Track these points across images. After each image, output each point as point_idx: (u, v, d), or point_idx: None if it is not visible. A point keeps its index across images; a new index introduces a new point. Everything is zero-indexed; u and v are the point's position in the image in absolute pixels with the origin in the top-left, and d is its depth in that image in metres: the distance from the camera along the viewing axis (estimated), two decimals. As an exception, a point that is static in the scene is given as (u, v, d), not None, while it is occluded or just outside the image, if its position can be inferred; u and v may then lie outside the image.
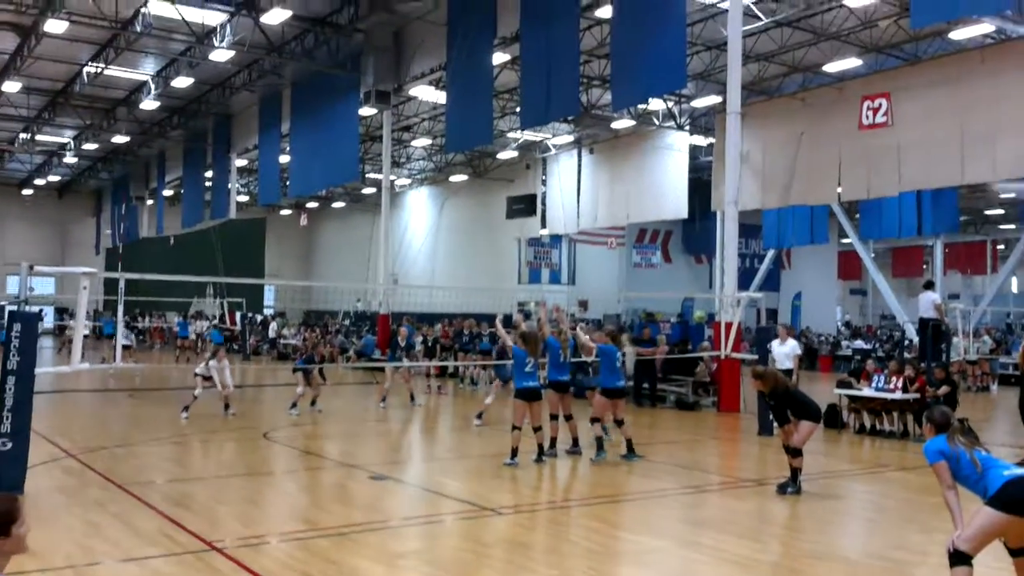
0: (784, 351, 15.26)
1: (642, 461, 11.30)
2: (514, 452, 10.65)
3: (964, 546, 5.04)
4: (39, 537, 7.16)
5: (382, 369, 23.94)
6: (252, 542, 7.18)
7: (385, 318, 28.33)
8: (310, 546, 7.09)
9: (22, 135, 35.82)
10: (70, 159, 40.25)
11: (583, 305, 38.19)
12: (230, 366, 15.68)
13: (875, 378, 14.90)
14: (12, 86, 28.10)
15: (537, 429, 10.98)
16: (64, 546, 6.90)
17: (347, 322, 38.98)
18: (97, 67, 26.59)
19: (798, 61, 22.90)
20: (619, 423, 11.54)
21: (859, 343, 34.35)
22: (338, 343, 30.45)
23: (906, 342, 29.58)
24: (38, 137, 35.91)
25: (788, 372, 14.75)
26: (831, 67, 22.33)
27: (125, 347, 27.29)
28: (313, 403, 16.19)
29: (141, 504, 8.43)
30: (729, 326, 17.15)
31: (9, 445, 8.58)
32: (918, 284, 31.89)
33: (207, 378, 14.98)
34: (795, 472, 9.51)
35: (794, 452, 9.49)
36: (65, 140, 37.40)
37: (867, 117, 20.57)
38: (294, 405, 15.73)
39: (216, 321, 33.18)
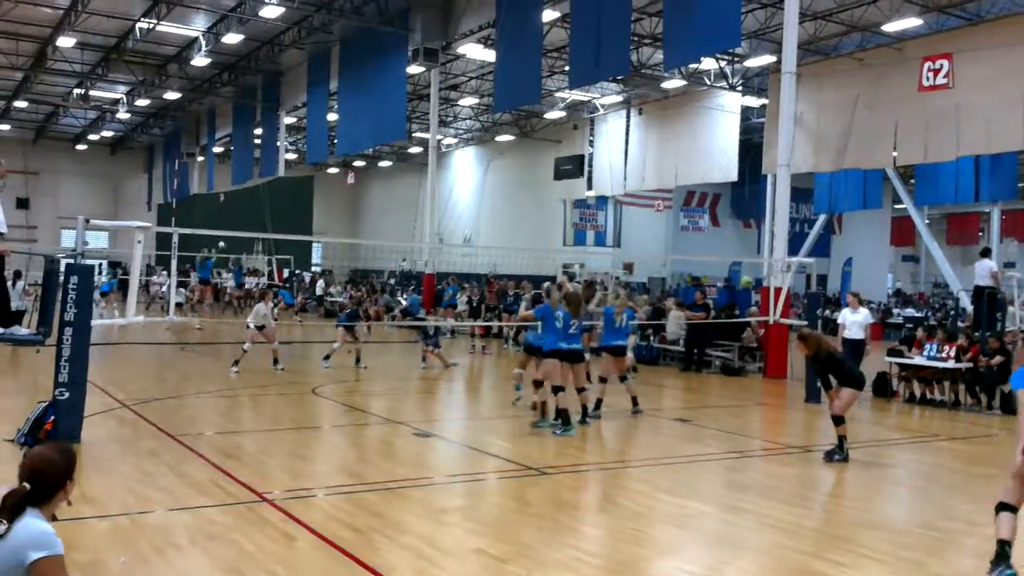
0: (857, 320, 14.87)
1: (687, 425, 11.27)
2: (565, 418, 10.32)
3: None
4: (96, 484, 7.39)
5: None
6: (300, 494, 7.31)
7: (430, 277, 28.45)
8: (356, 500, 7.20)
9: (76, 91, 36.31)
10: (122, 115, 40.72)
11: (628, 268, 38.00)
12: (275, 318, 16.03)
13: (927, 347, 14.64)
14: (66, 41, 28.43)
15: (581, 390, 10.98)
16: (119, 494, 7.09)
17: (392, 281, 39.25)
18: (149, 23, 26.77)
19: (856, 20, 22.25)
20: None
21: (910, 311, 33.76)
22: (383, 302, 30.69)
23: (959, 311, 29.01)
24: (91, 93, 36.35)
25: (860, 342, 14.57)
26: (890, 27, 21.66)
27: (177, 304, 27.84)
28: (357, 361, 16.38)
29: (193, 455, 8.62)
30: (778, 291, 16.93)
31: (67, 395, 8.82)
32: (973, 252, 31.19)
33: (260, 328, 15.26)
34: (841, 439, 9.41)
35: (837, 420, 9.40)
36: (118, 96, 37.85)
37: (927, 79, 19.98)
38: (327, 357, 16.06)
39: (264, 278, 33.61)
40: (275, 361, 15.34)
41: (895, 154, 21.57)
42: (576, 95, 31.75)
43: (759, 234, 36.16)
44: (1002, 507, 5.39)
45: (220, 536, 6.08)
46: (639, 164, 30.09)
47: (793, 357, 16.15)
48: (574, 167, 33.82)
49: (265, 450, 9.19)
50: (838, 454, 9.35)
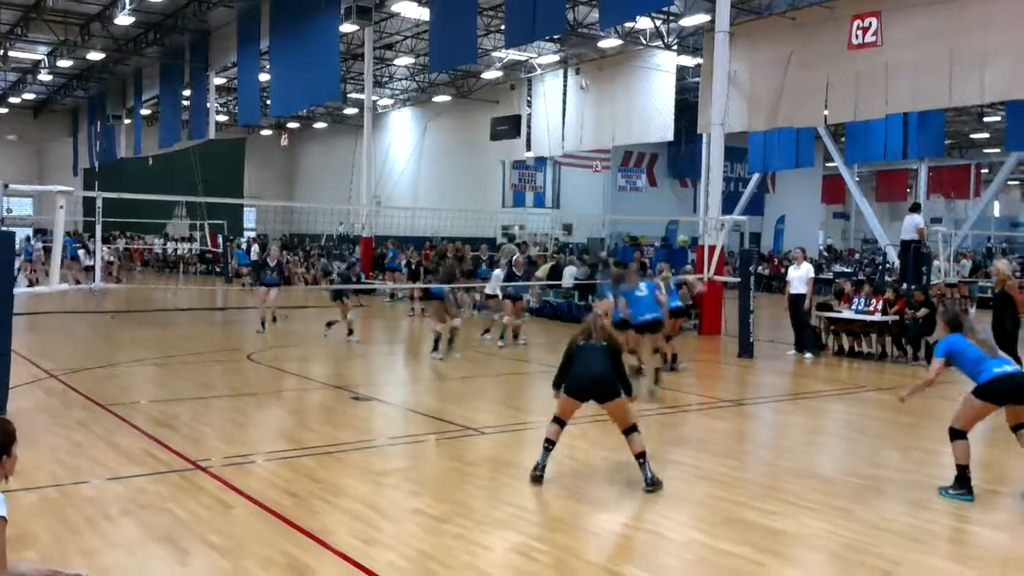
0: (799, 275, 15.04)
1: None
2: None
3: (957, 425, 6.61)
4: (23, 457, 7.14)
5: (367, 292, 23.98)
6: (237, 461, 7.24)
7: (368, 241, 28.18)
8: (295, 465, 7.16)
9: (-6, 51, 34.85)
10: (44, 77, 39.26)
11: (567, 228, 38.14)
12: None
13: (855, 301, 15.03)
14: (-19, 0, 27.24)
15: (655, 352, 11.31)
16: (49, 465, 6.93)
17: (330, 244, 38.81)
18: (68, -20, 25.75)
19: (788, -21, 22.44)
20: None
21: (840, 267, 34.56)
22: (321, 266, 30.33)
23: (887, 265, 29.80)
24: (11, 54, 34.89)
25: (802, 296, 14.83)
26: (821, -14, 21.89)
27: (109, 263, 27.18)
28: (275, 320, 16.65)
29: (125, 424, 8.46)
30: (712, 249, 17.18)
31: (-10, 366, 8.56)
32: (901, 208, 31.99)
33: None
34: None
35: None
36: (39, 57, 36.40)
37: (856, 37, 20.24)
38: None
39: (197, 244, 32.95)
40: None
41: (826, 112, 21.88)
42: (513, 55, 31.50)
43: (695, 193, 36.56)
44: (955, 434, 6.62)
45: (153, 505, 6.00)
46: (577, 125, 30.05)
47: (727, 312, 16.43)
48: (511, 127, 33.64)
49: (200, 418, 9.06)
50: None
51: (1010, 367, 6.61)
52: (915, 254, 17.76)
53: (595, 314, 7.73)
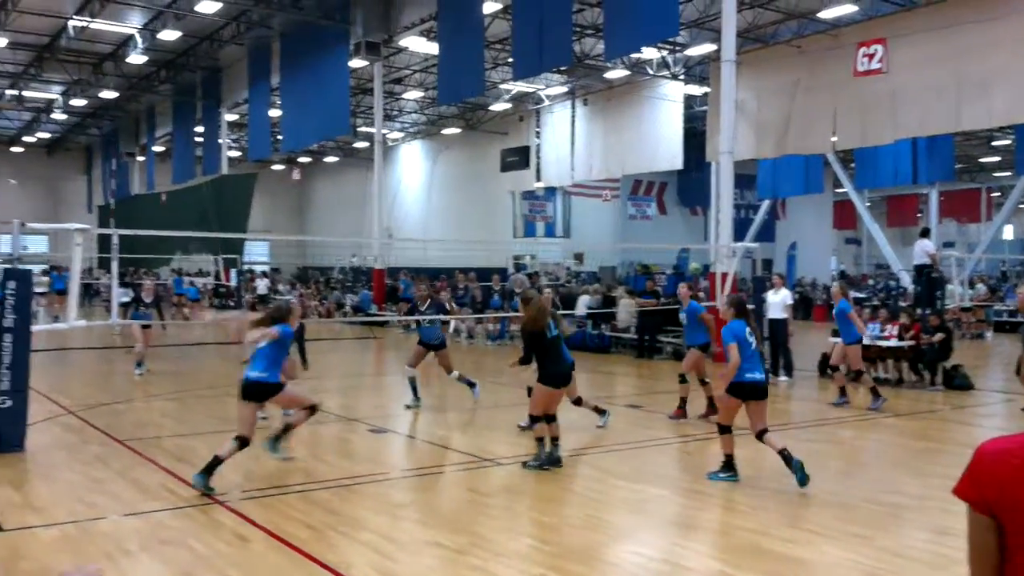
0: (776, 300, 14.97)
1: (639, 412, 11.39)
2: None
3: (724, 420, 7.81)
4: (42, 493, 7.24)
5: (380, 324, 24.07)
6: (254, 495, 7.24)
7: (381, 273, 28.29)
8: (312, 498, 7.15)
9: (9, 91, 35.34)
10: (59, 115, 39.78)
11: (579, 258, 38.20)
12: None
13: (871, 326, 14.96)
14: (-3, 42, 27.69)
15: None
16: (66, 502, 6.95)
17: (342, 277, 38.97)
18: (83, 20, 26.16)
19: (793, 7, 22.61)
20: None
21: (854, 292, 34.41)
22: (334, 298, 30.45)
23: (900, 291, 29.69)
24: (25, 93, 35.42)
25: (782, 321, 14.83)
26: (826, 13, 22.06)
27: (122, 304, 27.15)
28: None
29: (142, 459, 8.48)
30: (724, 277, 17.18)
31: (8, 403, 8.62)
32: (913, 233, 31.93)
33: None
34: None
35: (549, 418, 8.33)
36: (53, 96, 36.92)
37: (862, 64, 20.35)
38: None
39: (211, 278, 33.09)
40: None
41: (834, 139, 21.96)
42: (521, 86, 31.77)
43: (706, 221, 36.58)
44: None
45: (172, 540, 6.00)
46: (586, 154, 30.23)
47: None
48: (520, 158, 33.87)
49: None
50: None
51: None
52: (928, 279, 17.71)
53: (547, 296, 8.28)
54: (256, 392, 7.36)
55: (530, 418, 8.47)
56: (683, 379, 11.09)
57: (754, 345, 7.70)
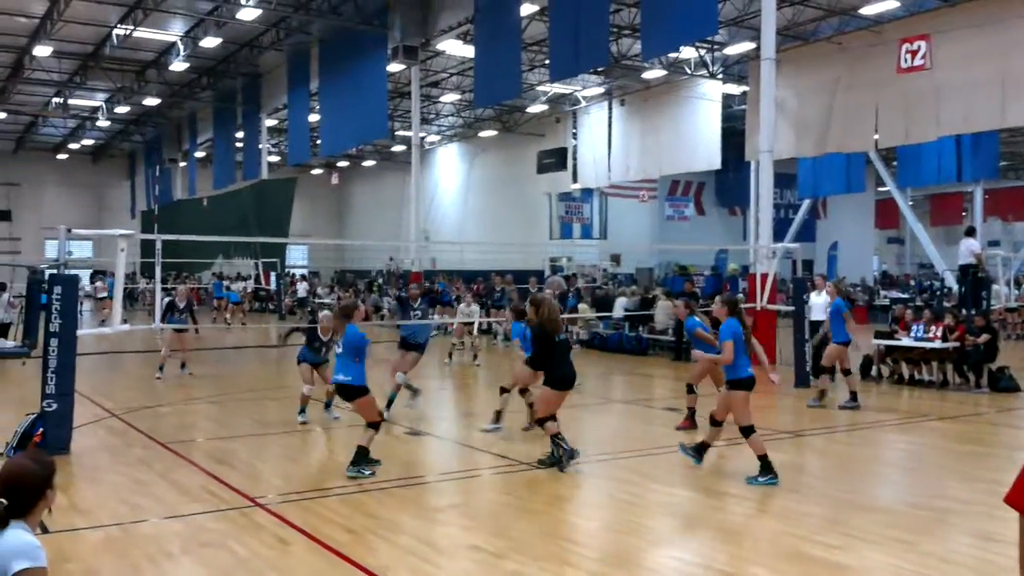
0: (819, 302, 14.58)
1: (678, 414, 11.30)
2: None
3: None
4: (87, 495, 7.36)
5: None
6: (293, 498, 7.30)
7: (418, 275, 28.40)
8: (350, 501, 7.20)
9: (55, 100, 36.06)
10: (103, 123, 40.50)
11: (615, 260, 38.06)
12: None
13: (914, 328, 14.71)
14: (43, 50, 28.21)
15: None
16: (111, 504, 7.06)
17: (380, 280, 39.20)
18: (126, 29, 26.61)
19: (834, 4, 22.30)
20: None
21: (896, 293, 33.93)
22: (371, 301, 30.58)
23: (944, 291, 29.18)
24: (70, 101, 36.10)
25: (821, 324, 14.58)
26: (868, 9, 21.73)
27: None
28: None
29: (184, 462, 8.59)
30: (764, 277, 16.99)
31: (55, 406, 8.78)
32: (957, 232, 31.36)
33: None
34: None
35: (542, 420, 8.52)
36: (97, 104, 37.60)
37: (905, 60, 20.04)
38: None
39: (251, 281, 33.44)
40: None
41: (876, 136, 21.65)
42: (558, 88, 31.72)
43: (744, 221, 36.28)
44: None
45: (213, 543, 6.07)
46: (623, 155, 30.10)
47: (780, 343, 16.20)
48: (557, 160, 33.82)
49: (257, 455, 9.17)
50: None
51: None
52: (974, 279, 17.38)
53: (551, 300, 8.75)
54: (341, 393, 8.38)
55: (538, 421, 8.69)
56: (691, 389, 10.99)
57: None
